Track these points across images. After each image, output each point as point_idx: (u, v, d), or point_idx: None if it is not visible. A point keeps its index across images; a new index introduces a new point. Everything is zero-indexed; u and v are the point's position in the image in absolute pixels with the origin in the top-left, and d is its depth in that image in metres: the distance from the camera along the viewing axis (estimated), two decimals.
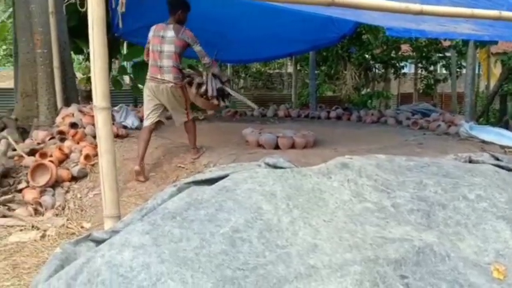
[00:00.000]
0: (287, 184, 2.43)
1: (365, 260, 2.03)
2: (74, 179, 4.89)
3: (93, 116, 5.86)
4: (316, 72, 13.26)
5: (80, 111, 5.90)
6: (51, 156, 5.14)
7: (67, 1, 8.15)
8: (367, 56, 12.60)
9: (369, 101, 12.10)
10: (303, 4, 3.26)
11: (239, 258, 1.90)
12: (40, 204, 4.40)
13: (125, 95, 13.50)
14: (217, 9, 8.36)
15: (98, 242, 2.36)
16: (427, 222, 2.53)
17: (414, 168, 3.06)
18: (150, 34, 5.18)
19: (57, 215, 4.33)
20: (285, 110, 9.62)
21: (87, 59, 10.52)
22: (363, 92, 13.46)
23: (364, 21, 5.40)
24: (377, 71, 13.72)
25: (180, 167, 5.08)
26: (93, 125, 5.64)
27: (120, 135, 5.85)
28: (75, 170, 4.86)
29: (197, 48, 5.00)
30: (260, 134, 6.82)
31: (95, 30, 2.73)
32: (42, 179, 4.70)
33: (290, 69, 22.97)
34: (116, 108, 6.71)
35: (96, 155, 5.18)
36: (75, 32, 8.46)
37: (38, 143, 5.64)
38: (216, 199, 2.23)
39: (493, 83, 14.14)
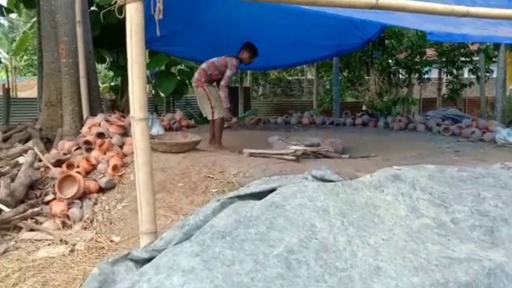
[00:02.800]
0: (339, 199, 2.26)
1: (434, 284, 1.84)
2: (102, 190, 4.77)
3: (119, 126, 5.80)
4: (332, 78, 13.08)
5: (107, 120, 5.81)
6: (78, 167, 5.04)
7: (90, 10, 8.15)
8: (390, 61, 12.36)
9: (393, 107, 11.84)
10: (343, 7, 3.09)
11: (298, 283, 1.73)
12: (68, 217, 4.28)
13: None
14: (238, 15, 8.26)
15: (137, 261, 2.22)
16: (491, 239, 2.33)
17: (468, 179, 2.87)
18: None
19: (85, 228, 4.20)
20: (309, 117, 9.45)
21: (109, 68, 10.51)
22: (385, 98, 13.23)
23: (401, 25, 5.22)
24: (400, 76, 13.45)
25: (209, 177, 4.93)
26: (120, 134, 5.57)
27: None
28: (102, 182, 4.74)
29: (227, 72, 6.10)
30: (287, 142, 6.67)
31: (134, 39, 2.60)
32: (70, 191, 4.59)
33: (310, 75, 22.84)
34: None
35: (123, 165, 5.09)
36: (98, 41, 8.45)
37: (64, 154, 5.56)
38: (265, 216, 2.06)
39: None
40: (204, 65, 6.21)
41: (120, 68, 10.31)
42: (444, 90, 13.84)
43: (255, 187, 2.42)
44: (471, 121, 7.43)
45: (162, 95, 11.34)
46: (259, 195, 2.38)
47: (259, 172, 4.97)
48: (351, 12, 3.83)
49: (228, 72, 6.07)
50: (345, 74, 13.09)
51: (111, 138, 5.56)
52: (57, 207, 4.38)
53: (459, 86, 13.04)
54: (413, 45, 11.84)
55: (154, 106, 13.40)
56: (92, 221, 4.29)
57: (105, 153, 5.29)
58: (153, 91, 11.25)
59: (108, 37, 9.12)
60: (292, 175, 2.59)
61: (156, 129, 6.57)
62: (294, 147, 5.66)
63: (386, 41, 11.77)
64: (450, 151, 5.90)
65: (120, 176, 4.87)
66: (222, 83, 6.06)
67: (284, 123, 9.34)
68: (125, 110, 9.52)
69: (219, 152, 5.87)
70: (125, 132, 5.75)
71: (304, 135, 7.81)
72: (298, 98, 21.26)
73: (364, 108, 14.54)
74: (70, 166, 5.06)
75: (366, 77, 13.04)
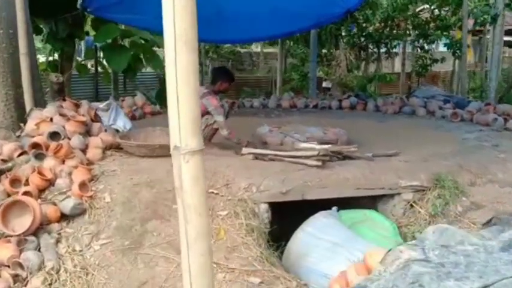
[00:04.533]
0: None
1: None
2: (64, 218, 3.40)
3: (80, 122, 4.36)
4: (300, 52, 12.02)
5: (61, 114, 4.32)
6: (26, 183, 3.61)
7: None
8: (362, 34, 11.42)
9: (368, 84, 10.95)
10: None
11: None
12: (21, 265, 2.92)
13: (87, 82, 11.71)
14: None
15: None
16: None
17: None
18: None
19: (50, 284, 2.85)
20: (289, 99, 8.30)
21: (47, 40, 8.75)
22: (355, 74, 12.34)
23: None
24: (369, 50, 12.56)
25: (212, 193, 3.68)
26: (82, 134, 4.16)
27: (117, 144, 4.35)
28: (67, 207, 3.35)
29: (217, 119, 4.87)
30: (284, 135, 5.51)
31: None
32: (19, 223, 3.19)
33: (258, 48, 21.51)
34: (101, 105, 5.19)
35: (91, 179, 3.71)
36: (31, 8, 6.78)
37: (3, 160, 4.06)
38: None
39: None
40: None
41: (59, 40, 8.62)
42: (414, 65, 13.07)
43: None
44: (484, 106, 6.61)
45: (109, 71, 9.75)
46: None
47: (277, 184, 3.80)
48: None
49: (218, 118, 4.86)
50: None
51: (69, 139, 4.12)
52: (4, 251, 2.99)
53: (430, 61, 12.33)
54: (388, 16, 10.91)
55: (95, 87, 11.71)
56: (58, 271, 2.94)
57: (63, 162, 3.87)
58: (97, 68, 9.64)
59: (44, 3, 7.44)
60: (474, 248, 1.45)
61: (122, 122, 5.18)
62: (310, 146, 4.49)
63: (360, 13, 10.77)
64: (488, 145, 4.97)
65: (91, 196, 3.50)
66: (225, 134, 4.87)
67: (262, 106, 8.14)
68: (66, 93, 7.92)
69: (211, 154, 4.61)
70: (87, 130, 4.33)
71: (292, 122, 6.67)
72: (250, 73, 19.99)
73: (324, 84, 13.59)
74: (15, 182, 3.62)
75: (336, 52, 12.04)
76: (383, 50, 12.74)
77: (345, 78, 11.43)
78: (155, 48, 9.44)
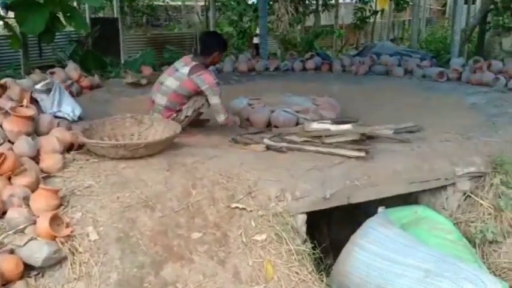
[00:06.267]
0: None
1: None
2: (29, 269, 2.23)
3: (26, 118, 3.04)
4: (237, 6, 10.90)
5: None
6: None
7: None
8: None
9: (315, 41, 10.12)
10: None
11: None
12: None
13: None
14: None
15: None
16: None
17: None
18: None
19: None
20: (246, 61, 7.23)
21: None
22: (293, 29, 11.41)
23: None
24: (306, 2, 11.70)
25: (237, 208, 2.68)
26: (29, 134, 2.93)
27: (80, 144, 3.13)
28: (36, 256, 2.18)
29: (213, 101, 3.70)
30: (270, 110, 4.55)
31: None
32: None
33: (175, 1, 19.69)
34: (38, 86, 3.83)
35: (60, 205, 2.54)
36: None
37: None
38: None
39: None
40: (159, 101, 3.76)
41: None
42: (354, 17, 12.42)
43: None
44: (473, 63, 6.01)
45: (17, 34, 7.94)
46: None
47: (316, 187, 2.90)
48: None
49: (214, 100, 3.69)
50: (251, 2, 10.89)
51: (11, 143, 2.84)
52: None
53: (370, 14, 11.76)
54: None
55: None
56: None
57: (9, 181, 2.62)
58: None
59: None
60: None
61: (70, 107, 3.88)
62: (323, 126, 3.57)
63: None
64: None
65: (68, 236, 2.34)
66: (223, 118, 3.75)
67: (216, 71, 7.00)
68: None
69: (206, 145, 3.53)
70: (34, 128, 3.05)
71: (258, 90, 5.63)
72: (167, 29, 18.29)
73: (256, 40, 12.56)
74: None
75: (275, 4, 10.99)
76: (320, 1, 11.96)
77: (288, 34, 10.50)
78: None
